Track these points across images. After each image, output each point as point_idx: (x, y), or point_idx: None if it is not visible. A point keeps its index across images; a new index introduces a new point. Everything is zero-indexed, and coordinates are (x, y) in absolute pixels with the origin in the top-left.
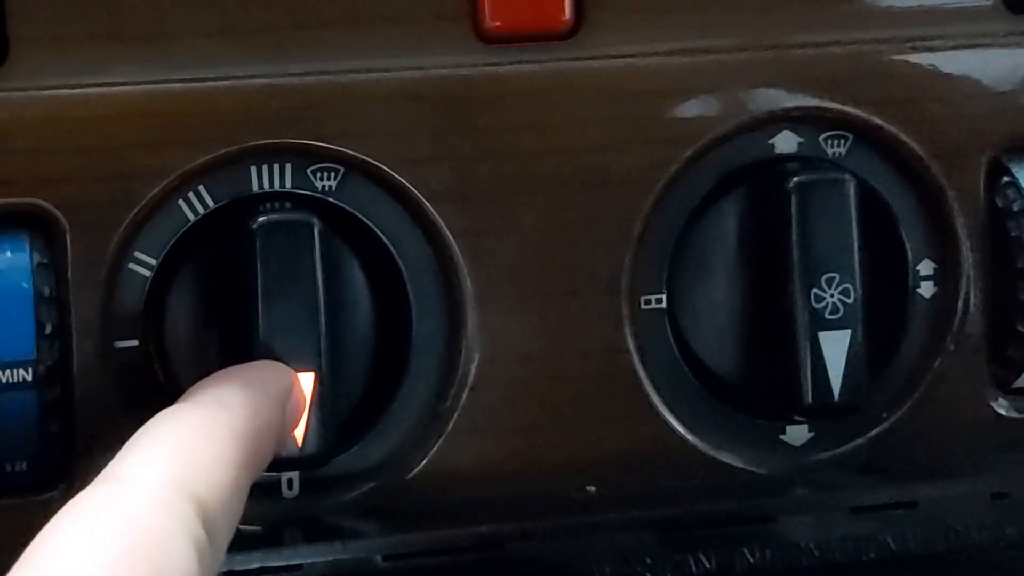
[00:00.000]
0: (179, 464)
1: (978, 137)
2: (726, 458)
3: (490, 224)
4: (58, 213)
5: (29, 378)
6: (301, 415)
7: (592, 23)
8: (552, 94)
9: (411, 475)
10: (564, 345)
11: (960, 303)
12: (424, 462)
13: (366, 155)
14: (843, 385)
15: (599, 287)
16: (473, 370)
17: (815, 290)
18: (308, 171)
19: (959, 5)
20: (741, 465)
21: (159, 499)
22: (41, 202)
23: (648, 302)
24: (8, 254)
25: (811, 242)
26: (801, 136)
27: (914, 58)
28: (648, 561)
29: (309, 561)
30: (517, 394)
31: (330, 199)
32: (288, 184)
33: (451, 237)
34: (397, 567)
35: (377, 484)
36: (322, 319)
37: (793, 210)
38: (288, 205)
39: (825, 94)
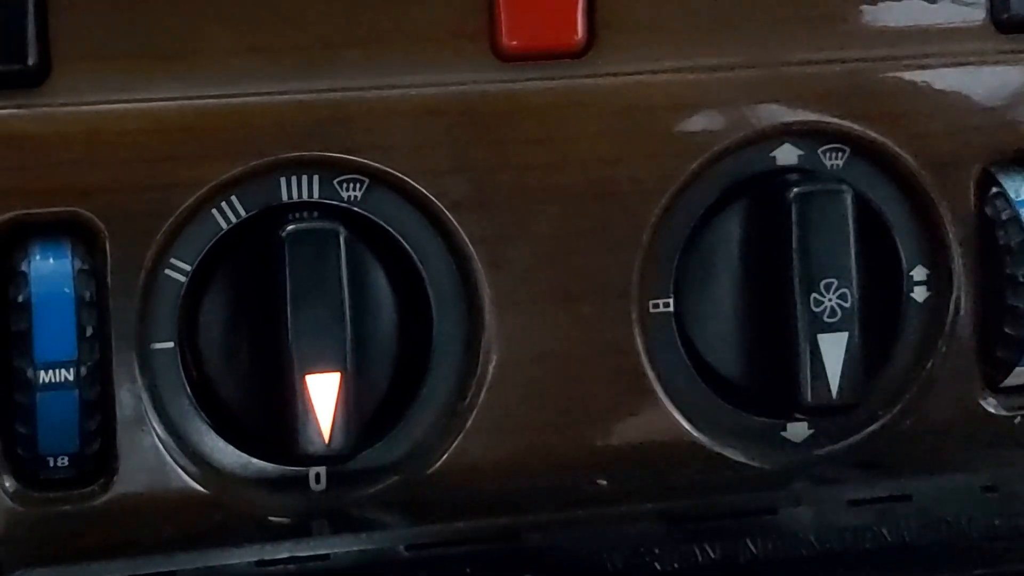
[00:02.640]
0: None
1: (969, 150)
2: (730, 453)
3: (507, 232)
4: (98, 222)
5: (71, 378)
6: None
7: (603, 42)
8: (565, 109)
9: (432, 469)
10: (577, 347)
11: (951, 307)
12: (445, 457)
13: (389, 167)
14: (841, 384)
15: (610, 292)
16: (491, 370)
17: (814, 295)
18: (334, 182)
19: (951, 25)
20: (744, 460)
21: None
22: (82, 211)
23: (656, 306)
24: (51, 261)
25: (810, 249)
26: (801, 149)
27: (908, 75)
28: (656, 551)
29: (336, 551)
30: (532, 393)
31: (355, 208)
32: (316, 194)
33: (470, 244)
34: (419, 557)
35: (400, 478)
36: (348, 322)
37: (793, 219)
38: (315, 214)
39: (824, 109)
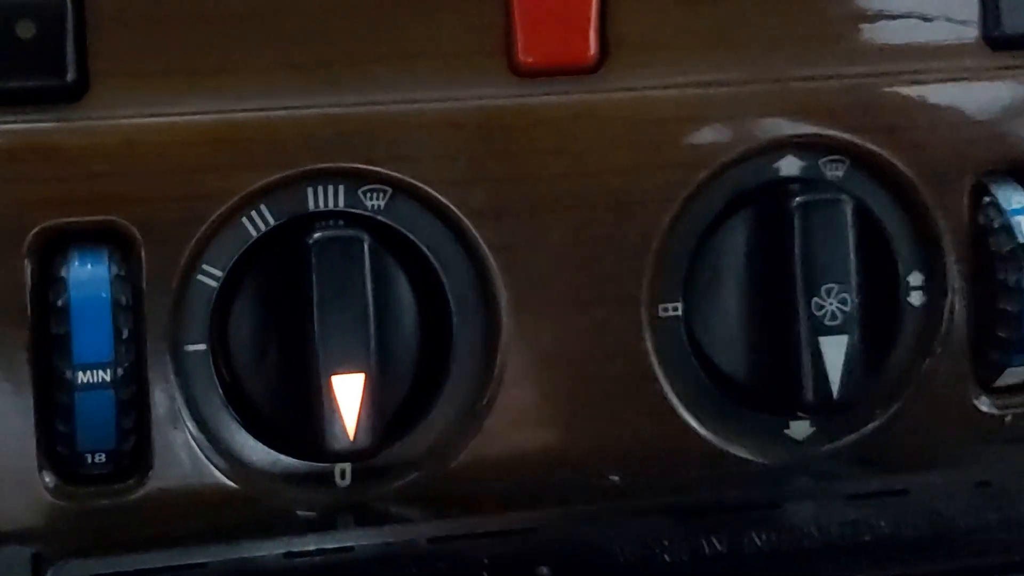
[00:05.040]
0: None
1: (962, 161)
2: (735, 450)
3: (523, 240)
4: (134, 230)
5: (107, 378)
6: None
7: (615, 58)
8: (579, 122)
9: (452, 466)
10: (590, 349)
11: (946, 311)
12: (464, 454)
13: (412, 177)
14: (841, 384)
15: (621, 296)
16: (508, 371)
17: (816, 299)
18: (359, 192)
19: (945, 43)
20: (749, 457)
21: None
22: (119, 220)
23: (665, 310)
24: (89, 267)
25: (812, 256)
26: (803, 160)
27: (905, 90)
28: (665, 543)
29: (360, 544)
30: (548, 393)
31: (379, 217)
32: (341, 203)
33: (488, 251)
34: (440, 549)
35: (421, 474)
36: (371, 325)
37: (796, 227)
38: (341, 222)
39: (825, 123)
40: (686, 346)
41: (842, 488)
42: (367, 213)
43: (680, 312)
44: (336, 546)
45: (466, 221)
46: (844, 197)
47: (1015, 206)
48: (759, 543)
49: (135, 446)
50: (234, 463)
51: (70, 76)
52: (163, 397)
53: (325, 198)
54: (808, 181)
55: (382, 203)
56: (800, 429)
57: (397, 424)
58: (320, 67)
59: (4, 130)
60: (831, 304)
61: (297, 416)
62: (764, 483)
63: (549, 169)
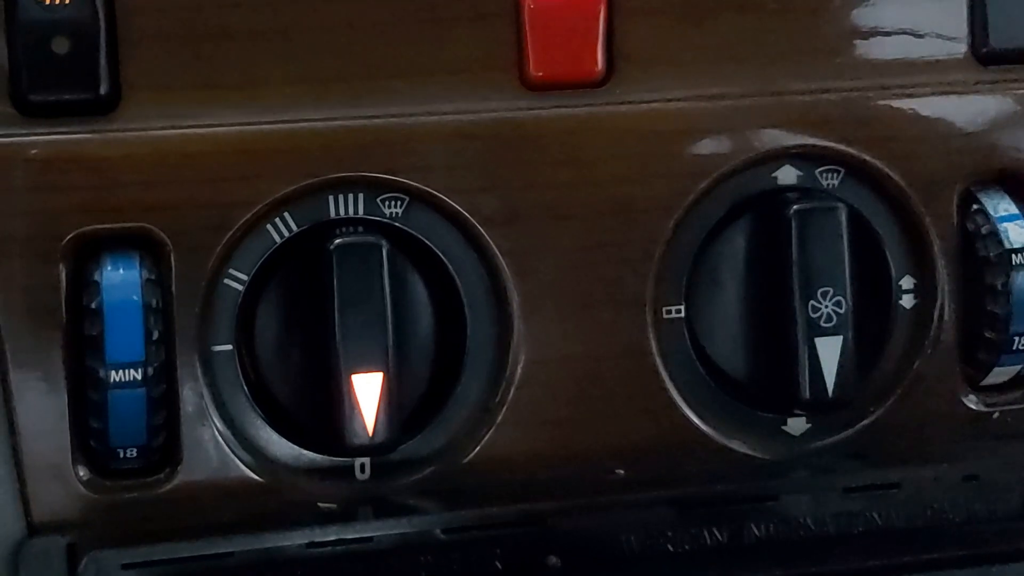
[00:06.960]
0: None
1: (952, 171)
2: (735, 445)
3: (534, 245)
4: (164, 236)
5: (139, 377)
6: None
7: (621, 73)
8: (587, 134)
9: (466, 461)
10: (597, 349)
11: (936, 313)
12: (477, 449)
13: (428, 186)
14: (836, 383)
15: (627, 299)
16: (519, 370)
17: (812, 302)
18: (378, 200)
19: (936, 58)
20: (748, 452)
21: None
22: (150, 226)
23: (669, 312)
24: (121, 271)
25: (808, 261)
26: (800, 170)
27: (897, 103)
28: (668, 534)
29: (379, 534)
30: (557, 391)
31: (397, 224)
32: (361, 211)
33: (500, 256)
34: (454, 539)
35: (437, 468)
36: (389, 327)
37: (793, 233)
38: (360, 229)
39: (821, 134)
40: (688, 346)
41: (837, 481)
42: (385, 220)
43: (683, 314)
44: (356, 536)
45: (479, 227)
46: (839, 205)
47: (1002, 213)
48: (758, 534)
49: (165, 442)
50: (259, 458)
51: (103, 90)
52: (191, 395)
53: (345, 206)
54: (805, 190)
55: (400, 211)
56: (797, 425)
57: (414, 420)
58: (340, 81)
59: (40, 141)
60: (826, 307)
61: (319, 413)
62: (763, 477)
63: (558, 178)
